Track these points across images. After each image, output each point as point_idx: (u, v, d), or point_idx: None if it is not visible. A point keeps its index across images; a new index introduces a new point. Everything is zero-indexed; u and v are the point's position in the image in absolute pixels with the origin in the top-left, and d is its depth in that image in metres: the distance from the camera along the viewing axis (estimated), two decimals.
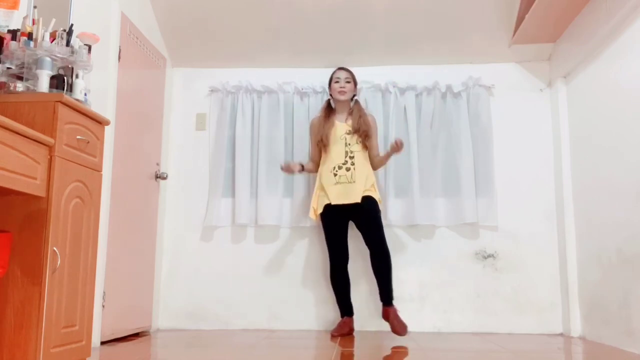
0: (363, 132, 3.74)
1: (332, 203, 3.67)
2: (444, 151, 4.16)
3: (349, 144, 3.74)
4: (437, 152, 4.16)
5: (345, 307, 3.82)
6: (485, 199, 4.06)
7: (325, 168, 3.76)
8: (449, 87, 4.19)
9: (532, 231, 4.07)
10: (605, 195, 3.42)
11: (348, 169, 3.70)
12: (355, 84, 3.90)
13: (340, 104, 3.86)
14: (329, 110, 3.90)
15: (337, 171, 3.70)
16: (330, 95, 3.93)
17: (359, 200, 3.64)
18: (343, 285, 3.78)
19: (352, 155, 3.72)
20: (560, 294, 3.98)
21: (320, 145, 3.80)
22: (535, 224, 4.08)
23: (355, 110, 3.84)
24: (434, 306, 4.03)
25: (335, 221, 3.73)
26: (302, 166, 3.85)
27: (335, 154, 3.73)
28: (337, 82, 3.84)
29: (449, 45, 4.16)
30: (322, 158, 3.83)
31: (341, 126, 3.79)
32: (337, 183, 3.69)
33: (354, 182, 3.67)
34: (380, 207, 3.74)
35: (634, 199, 3.07)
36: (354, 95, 3.91)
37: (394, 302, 3.62)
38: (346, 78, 3.84)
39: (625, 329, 3.15)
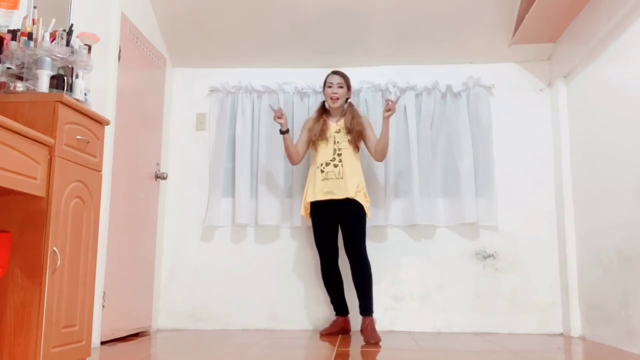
0: (357, 133, 3.72)
1: (319, 199, 3.66)
2: (444, 151, 4.16)
3: (338, 142, 3.71)
4: (437, 152, 4.16)
5: (338, 305, 3.80)
6: (485, 199, 4.06)
7: (314, 165, 3.76)
8: (449, 87, 4.18)
9: (532, 231, 4.07)
10: (605, 195, 3.42)
11: (336, 166, 3.67)
12: (349, 88, 3.84)
13: (333, 108, 3.82)
14: (324, 110, 3.87)
15: (324, 168, 3.68)
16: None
17: (349, 195, 3.59)
18: (334, 283, 3.77)
19: (339, 152, 3.68)
20: (560, 294, 3.97)
21: (310, 143, 3.80)
22: (535, 224, 4.07)
23: (349, 111, 3.81)
24: (434, 306, 4.03)
25: (323, 219, 3.70)
26: (287, 130, 3.77)
27: (324, 151, 3.72)
28: (329, 87, 3.79)
29: (449, 45, 4.15)
30: (312, 157, 3.82)
31: (332, 125, 3.78)
32: (324, 179, 3.66)
33: (342, 177, 3.64)
34: (370, 211, 3.71)
35: (634, 199, 3.07)
36: (347, 99, 3.86)
37: (374, 314, 3.60)
38: (338, 83, 3.77)
39: (625, 329, 3.15)
